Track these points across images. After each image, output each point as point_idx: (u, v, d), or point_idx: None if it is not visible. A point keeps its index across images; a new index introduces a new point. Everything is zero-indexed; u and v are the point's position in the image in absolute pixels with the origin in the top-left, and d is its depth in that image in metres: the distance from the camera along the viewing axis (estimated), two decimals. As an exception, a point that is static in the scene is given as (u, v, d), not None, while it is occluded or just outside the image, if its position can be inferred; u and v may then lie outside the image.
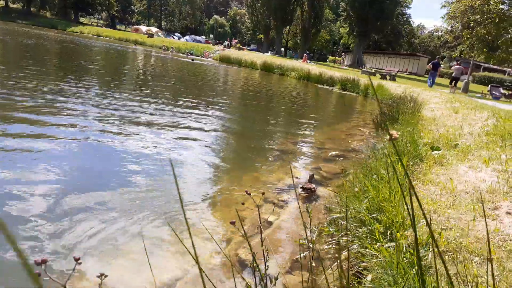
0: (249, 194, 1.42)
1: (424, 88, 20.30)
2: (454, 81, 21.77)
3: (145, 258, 2.74)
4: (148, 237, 3.14)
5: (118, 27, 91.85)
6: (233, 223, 1.35)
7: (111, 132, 6.08)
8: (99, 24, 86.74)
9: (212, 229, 3.39)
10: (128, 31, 76.77)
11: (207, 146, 6.22)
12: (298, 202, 3.59)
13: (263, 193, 2.21)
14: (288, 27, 59.72)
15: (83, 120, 6.57)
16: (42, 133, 5.43)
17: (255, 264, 1.39)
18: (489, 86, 24.88)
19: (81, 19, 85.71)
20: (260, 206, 3.71)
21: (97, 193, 3.81)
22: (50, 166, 4.27)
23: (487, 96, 23.07)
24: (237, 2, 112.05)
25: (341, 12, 54.55)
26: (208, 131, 7.44)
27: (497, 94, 22.56)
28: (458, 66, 22.51)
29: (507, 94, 23.13)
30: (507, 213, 2.88)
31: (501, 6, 23.13)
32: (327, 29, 70.78)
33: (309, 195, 4.43)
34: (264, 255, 1.42)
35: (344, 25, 55.95)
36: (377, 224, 2.51)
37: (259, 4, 54.84)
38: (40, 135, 5.30)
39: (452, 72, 22.68)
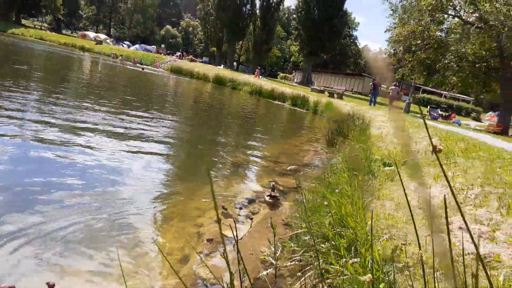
0: (225, 209, 1.31)
1: (370, 107, 21.28)
2: (391, 101, 22.99)
3: (94, 278, 2.51)
4: (94, 257, 2.89)
5: (64, 31, 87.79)
6: (210, 240, 1.24)
7: (54, 143, 5.60)
8: (43, 28, 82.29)
9: (167, 247, 3.20)
10: (75, 36, 73.57)
11: (158, 158, 5.97)
12: (252, 220, 3.51)
13: (224, 208, 2.10)
14: (241, 41, 60.41)
15: (22, 129, 6.01)
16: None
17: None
18: (428, 107, 26.67)
19: (24, 21, 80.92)
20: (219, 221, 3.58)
21: (35, 209, 3.47)
22: None
23: (426, 117, 24.64)
24: (190, 14, 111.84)
25: (292, 31, 56.18)
26: (159, 142, 7.16)
27: (435, 115, 24.20)
28: (394, 87, 24.10)
29: (444, 115, 24.86)
30: (460, 228, 3.00)
31: (438, 33, 25.01)
32: (279, 46, 72.58)
33: (274, 203, 4.55)
34: (240, 275, 1.31)
35: (294, 44, 57.59)
36: (341, 239, 2.49)
37: (212, 17, 55.02)
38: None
39: (390, 92, 24.27)
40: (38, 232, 3.06)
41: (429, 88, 46.01)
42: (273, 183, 5.13)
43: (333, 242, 2.54)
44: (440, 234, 3.11)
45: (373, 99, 24.66)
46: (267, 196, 4.75)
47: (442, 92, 44.49)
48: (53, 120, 6.96)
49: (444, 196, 1.13)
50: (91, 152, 5.49)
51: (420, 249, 1.52)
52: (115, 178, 4.69)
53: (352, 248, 2.47)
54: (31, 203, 3.57)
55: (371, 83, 25.77)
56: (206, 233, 3.38)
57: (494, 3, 19.51)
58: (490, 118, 42.23)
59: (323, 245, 2.61)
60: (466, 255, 2.56)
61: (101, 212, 3.63)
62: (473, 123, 32.59)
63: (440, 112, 25.44)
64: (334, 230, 2.67)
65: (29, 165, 4.52)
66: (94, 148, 5.74)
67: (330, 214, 2.84)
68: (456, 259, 2.53)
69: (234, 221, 3.47)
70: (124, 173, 4.96)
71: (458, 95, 45.81)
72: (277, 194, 4.81)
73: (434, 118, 23.71)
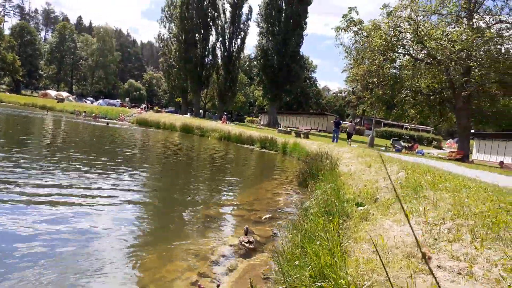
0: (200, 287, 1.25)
1: (336, 144, 21.79)
2: (348, 136, 25.72)
3: None
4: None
5: (23, 92, 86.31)
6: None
7: (15, 205, 5.38)
8: (1, 90, 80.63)
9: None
10: (35, 96, 72.46)
11: (127, 218, 5.73)
12: (230, 277, 3.38)
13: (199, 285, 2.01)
14: (205, 90, 61.34)
15: None
16: None
17: None
18: (392, 140, 27.66)
19: (-21, 84, 79.10)
20: (196, 283, 3.41)
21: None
22: None
23: (391, 149, 25.46)
24: (152, 67, 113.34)
25: (254, 76, 57.87)
26: (127, 201, 6.91)
27: (399, 147, 25.07)
28: (350, 124, 26.92)
29: (407, 146, 25.78)
30: (438, 266, 3.01)
31: (392, 71, 26.48)
32: (243, 91, 74.26)
33: (254, 248, 4.69)
34: None
35: (258, 88, 59.16)
36: (324, 293, 2.43)
37: (175, 69, 55.93)
38: None
39: (347, 128, 26.06)
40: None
41: (390, 122, 47.96)
42: (246, 226, 5.30)
43: (316, 297, 2.46)
44: (420, 275, 3.08)
45: (335, 136, 25.87)
46: (246, 243, 4.77)
47: (403, 124, 46.47)
48: (16, 183, 6.68)
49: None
50: (59, 212, 5.37)
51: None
52: (83, 236, 4.56)
53: (336, 301, 2.40)
54: None
55: (332, 121, 27.39)
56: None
57: (439, 40, 21.05)
58: (450, 145, 44.24)
59: (306, 301, 2.52)
60: (448, 295, 2.55)
61: (68, 272, 3.44)
62: (435, 151, 33.96)
63: (403, 144, 26.41)
64: (315, 283, 2.61)
65: None
66: (62, 207, 5.63)
67: (309, 266, 2.78)
68: (440, 301, 2.52)
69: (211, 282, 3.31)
70: (92, 230, 4.82)
71: (418, 126, 47.95)
72: (251, 238, 4.88)
73: (398, 150, 24.52)
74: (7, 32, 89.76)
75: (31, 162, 9.41)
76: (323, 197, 5.42)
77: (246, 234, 5.05)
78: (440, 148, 43.45)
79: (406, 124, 47.06)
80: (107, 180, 8.48)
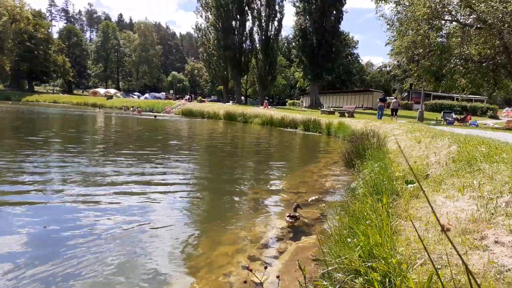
0: (250, 270, 1.29)
1: (383, 121, 21.13)
2: (393, 112, 25.77)
3: None
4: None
5: (75, 92, 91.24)
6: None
7: (77, 195, 6.01)
8: (55, 91, 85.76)
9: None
10: (86, 95, 76.32)
11: (179, 206, 6.00)
12: (280, 260, 3.43)
13: (250, 269, 2.06)
14: (245, 76, 61.51)
15: (48, 187, 6.50)
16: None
17: None
18: (442, 112, 26.34)
19: (36, 88, 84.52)
20: (247, 267, 3.50)
21: (62, 267, 3.48)
22: (12, 240, 4.04)
23: (441, 122, 24.31)
24: (193, 58, 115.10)
25: (293, 58, 57.08)
26: (179, 185, 7.30)
27: (450, 119, 23.84)
28: (395, 100, 26.85)
29: (459, 118, 24.47)
30: (496, 242, 2.88)
31: (439, 40, 25.03)
32: (283, 74, 73.62)
33: (294, 223, 5.04)
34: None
35: (298, 70, 58.35)
36: (374, 273, 2.41)
37: (215, 58, 56.49)
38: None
39: (391, 104, 26.85)
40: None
41: (440, 94, 45.60)
42: (296, 203, 5.54)
43: (366, 277, 2.45)
44: (476, 251, 2.98)
45: (380, 112, 25.64)
46: (289, 217, 5.15)
47: (454, 95, 44.01)
48: (78, 173, 7.60)
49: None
50: (115, 200, 5.92)
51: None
52: (139, 224, 4.89)
53: (386, 280, 2.38)
54: (58, 253, 3.77)
55: (378, 99, 27.32)
56: (236, 283, 3.32)
57: (490, 2, 19.55)
58: (507, 114, 41.41)
59: (356, 281, 2.52)
60: (507, 271, 2.44)
61: (126, 259, 3.77)
62: (491, 122, 31.95)
63: (454, 116, 25.07)
64: (365, 263, 2.59)
65: (58, 217, 4.80)
66: (118, 196, 6.23)
67: (359, 246, 2.77)
68: (498, 277, 2.42)
69: (260, 265, 3.40)
70: (148, 218, 5.13)
71: (471, 95, 45.23)
72: (297, 214, 5.20)
73: (450, 123, 23.34)
74: (55, 36, 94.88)
75: (89, 154, 10.04)
76: (370, 177, 5.31)
77: (295, 211, 5.32)
78: (496, 117, 40.78)
79: (457, 95, 44.49)
80: (158, 168, 9.11)
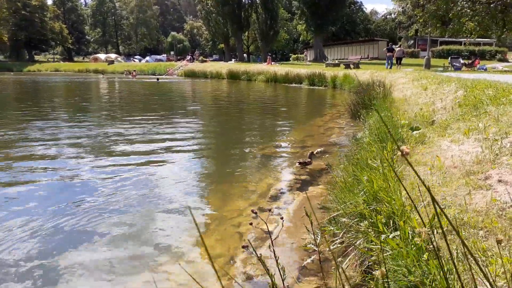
0: (256, 213, 1.34)
1: (389, 71, 20.76)
2: (398, 61, 25.47)
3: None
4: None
5: (75, 59, 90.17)
6: (245, 247, 1.28)
7: (88, 159, 6.27)
8: (55, 59, 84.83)
9: (213, 253, 3.28)
10: (87, 61, 75.48)
11: (188, 161, 6.20)
12: (288, 210, 3.53)
13: (255, 213, 2.13)
14: (246, 32, 59.98)
15: (56, 151, 6.82)
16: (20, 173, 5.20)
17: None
18: (449, 58, 25.73)
19: (36, 57, 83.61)
20: (256, 218, 3.63)
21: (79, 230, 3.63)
22: (29, 208, 4.18)
23: (449, 68, 23.83)
24: (192, 16, 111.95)
25: (295, 10, 55.24)
26: (186, 145, 7.45)
27: (458, 65, 23.33)
28: (399, 48, 26.61)
29: (467, 63, 23.92)
30: (499, 181, 2.92)
31: (446, -18, 23.92)
32: (285, 28, 71.55)
33: (306, 165, 5.47)
34: (280, 273, 1.36)
35: (300, 22, 56.64)
36: (378, 215, 2.48)
37: (214, 15, 54.93)
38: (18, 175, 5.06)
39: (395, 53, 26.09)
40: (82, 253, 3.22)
41: (447, 39, 44.23)
42: (312, 151, 5.95)
43: (370, 220, 2.53)
44: (480, 191, 3.04)
45: (389, 62, 25.17)
46: (299, 163, 5.57)
47: (461, 40, 42.67)
48: (88, 137, 8.05)
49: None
50: (125, 160, 6.27)
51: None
52: (151, 182, 5.12)
53: (391, 222, 2.45)
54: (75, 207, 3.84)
55: (385, 49, 26.88)
56: (246, 233, 3.45)
57: None
58: (517, 56, 40.31)
59: (361, 224, 2.61)
60: (509, 207, 2.50)
61: (142, 216, 3.97)
62: (500, 65, 31.19)
63: (462, 61, 24.49)
64: (369, 207, 2.66)
65: (69, 188, 4.84)
66: (128, 155, 6.60)
67: (363, 191, 2.83)
68: (500, 213, 2.48)
69: (270, 214, 3.50)
70: (158, 177, 5.34)
71: (479, 39, 43.83)
72: (308, 160, 5.60)
73: (457, 69, 22.86)
74: (49, 2, 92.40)
75: (97, 121, 10.16)
76: (375, 125, 5.32)
77: (310, 157, 5.69)
78: (505, 60, 39.76)
79: (465, 40, 43.16)
80: (166, 130, 9.33)
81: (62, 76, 43.73)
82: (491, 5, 22.02)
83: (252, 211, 1.40)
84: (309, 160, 5.62)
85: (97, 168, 5.79)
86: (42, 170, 5.64)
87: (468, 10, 22.96)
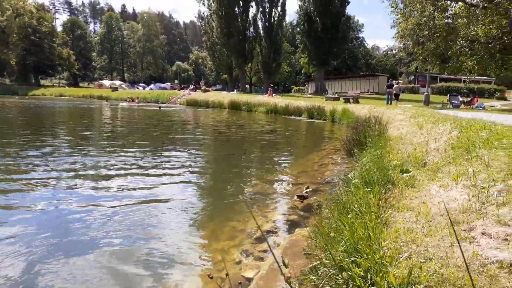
0: (212, 278, 1.31)
1: (387, 107, 20.94)
2: (396, 97, 25.98)
3: None
4: None
5: (80, 84, 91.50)
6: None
7: (83, 187, 6.35)
8: (61, 84, 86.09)
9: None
10: (92, 87, 76.53)
11: (180, 197, 6.13)
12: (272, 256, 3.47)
13: (226, 274, 2.09)
14: (249, 64, 61.08)
15: (56, 178, 6.93)
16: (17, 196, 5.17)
17: None
18: (448, 95, 26.01)
19: (42, 81, 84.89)
20: (240, 262, 3.56)
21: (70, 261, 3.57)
22: (27, 229, 4.38)
23: (447, 106, 24.03)
24: (197, 46, 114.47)
25: (298, 44, 56.44)
26: (180, 179, 7.37)
27: (457, 102, 23.54)
28: (397, 86, 27.03)
29: (465, 101, 24.15)
30: (483, 233, 2.87)
31: (445, 21, 24.53)
32: (288, 61, 72.96)
33: (302, 201, 5.77)
34: None
35: (303, 56, 57.75)
36: (357, 268, 2.43)
37: (218, 46, 56.11)
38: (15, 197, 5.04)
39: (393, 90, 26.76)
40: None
41: (447, 76, 44.90)
42: (307, 186, 6.41)
43: (349, 272, 2.47)
44: (463, 243, 2.98)
45: (389, 97, 25.65)
46: (296, 196, 5.99)
47: (461, 77, 43.31)
48: (86, 166, 8.12)
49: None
50: (123, 188, 6.44)
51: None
52: (149, 208, 5.36)
53: (369, 276, 2.40)
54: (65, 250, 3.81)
55: (385, 86, 27.34)
56: (226, 278, 3.38)
57: (495, -20, 19.09)
58: (516, 95, 40.73)
59: (341, 276, 2.54)
60: (490, 264, 2.44)
61: (139, 242, 4.04)
62: (498, 103, 31.47)
63: (461, 99, 24.74)
64: (349, 258, 2.61)
65: (71, 200, 4.85)
66: (126, 183, 6.78)
67: (344, 241, 2.78)
68: (481, 270, 2.42)
69: (253, 260, 3.42)
70: (144, 213, 5.32)
71: (478, 77, 44.44)
72: (305, 194, 6.00)
73: (456, 106, 23.05)
74: (59, 28, 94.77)
75: (97, 148, 10.19)
76: (363, 167, 5.30)
77: (306, 192, 6.15)
78: (504, 99, 40.15)
79: (464, 77, 43.76)
80: (165, 159, 9.46)
81: (66, 101, 44.19)
82: (490, 45, 22.45)
83: (209, 275, 1.35)
84: (306, 194, 6.01)
85: (87, 197, 5.83)
86: (32, 198, 5.65)
87: (467, 49, 23.39)
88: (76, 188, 6.33)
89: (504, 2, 18.91)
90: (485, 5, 20.74)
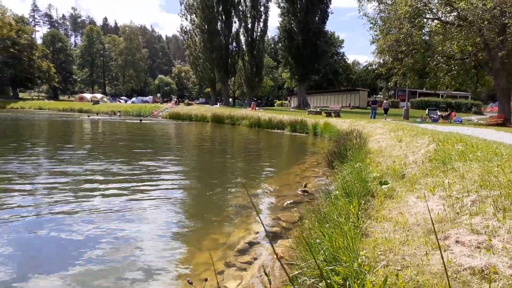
0: (191, 283, 1.35)
1: (368, 121, 21.36)
2: (385, 112, 27.91)
3: None
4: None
5: (61, 97, 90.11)
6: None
7: (66, 202, 6.18)
8: (40, 97, 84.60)
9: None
10: (72, 100, 75.49)
11: (161, 209, 6.11)
12: (253, 266, 3.49)
13: (205, 279, 2.13)
14: (232, 78, 61.49)
15: (32, 193, 6.73)
16: None
17: None
18: (427, 110, 26.74)
19: (21, 94, 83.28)
20: (222, 272, 3.57)
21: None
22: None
23: (427, 120, 24.66)
24: (180, 60, 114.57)
25: (280, 59, 57.22)
26: (161, 192, 7.36)
27: (435, 116, 24.21)
28: (386, 101, 29.07)
29: (443, 115, 24.85)
30: (456, 241, 2.98)
31: (423, 37, 25.38)
32: (270, 75, 73.77)
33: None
34: None
35: (285, 70, 58.52)
36: (335, 276, 2.49)
37: (201, 60, 56.39)
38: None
39: (383, 105, 28.97)
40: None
41: (425, 91, 46.18)
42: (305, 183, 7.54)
43: (328, 280, 2.53)
44: (438, 252, 3.08)
45: (373, 112, 26.88)
46: (300, 190, 7.27)
47: (439, 92, 44.62)
48: (66, 177, 7.93)
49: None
50: (104, 201, 6.39)
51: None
52: (129, 222, 5.31)
53: (347, 283, 2.46)
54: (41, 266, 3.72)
55: (370, 101, 29.15)
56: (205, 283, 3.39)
57: (469, 0, 19.92)
58: (491, 110, 42.11)
59: (320, 285, 2.60)
60: (463, 270, 2.54)
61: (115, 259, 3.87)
62: (475, 117, 32.49)
63: (439, 113, 25.48)
64: (328, 267, 2.67)
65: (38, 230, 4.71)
66: (105, 196, 6.75)
67: (322, 250, 2.84)
68: (454, 276, 2.51)
69: (236, 270, 3.45)
70: (133, 219, 5.45)
71: (456, 92, 45.88)
72: (306, 189, 7.38)
73: (435, 120, 23.70)
74: (39, 41, 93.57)
75: (77, 160, 10.05)
76: (343, 179, 5.41)
77: (305, 187, 7.58)
78: (480, 113, 41.47)
79: (443, 92, 45.11)
80: (146, 172, 9.42)
81: (44, 114, 43.39)
82: (465, 61, 23.30)
83: (188, 281, 1.39)
84: (306, 189, 7.49)
85: (65, 211, 5.73)
86: (6, 211, 5.51)
87: (444, 65, 24.21)
88: (54, 200, 6.25)
89: (478, 20, 19.72)
90: (460, 23, 21.59)
